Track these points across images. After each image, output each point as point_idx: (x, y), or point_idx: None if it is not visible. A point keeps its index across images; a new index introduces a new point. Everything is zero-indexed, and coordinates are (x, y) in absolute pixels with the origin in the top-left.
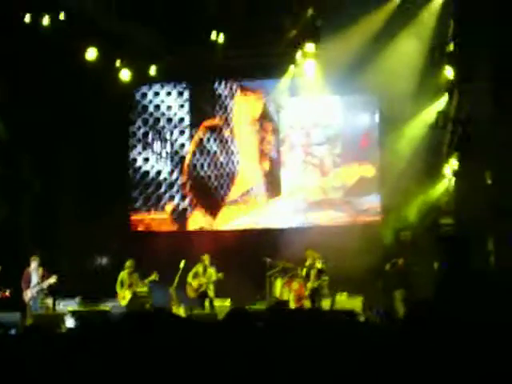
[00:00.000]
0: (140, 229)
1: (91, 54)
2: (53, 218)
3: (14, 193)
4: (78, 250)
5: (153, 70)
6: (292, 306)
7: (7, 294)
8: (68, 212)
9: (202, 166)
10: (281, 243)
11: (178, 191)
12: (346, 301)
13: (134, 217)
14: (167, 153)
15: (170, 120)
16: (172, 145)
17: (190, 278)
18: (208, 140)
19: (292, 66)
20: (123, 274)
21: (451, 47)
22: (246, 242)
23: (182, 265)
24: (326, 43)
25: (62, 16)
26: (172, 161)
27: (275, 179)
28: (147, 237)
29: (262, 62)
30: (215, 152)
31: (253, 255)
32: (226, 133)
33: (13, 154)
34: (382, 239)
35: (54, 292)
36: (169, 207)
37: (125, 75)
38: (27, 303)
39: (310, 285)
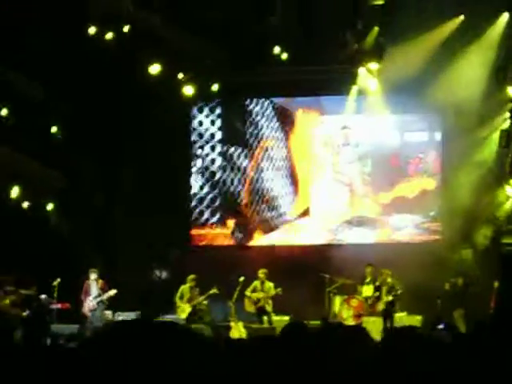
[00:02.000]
0: (201, 243)
1: (154, 68)
2: (113, 231)
3: (76, 206)
4: (138, 262)
5: (215, 87)
6: (350, 322)
7: (67, 305)
8: (128, 225)
9: (260, 184)
10: (339, 259)
11: (237, 207)
12: (406, 319)
13: (195, 231)
14: (229, 168)
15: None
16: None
17: (248, 293)
18: (263, 159)
19: (355, 86)
20: (184, 288)
21: None
22: (304, 257)
23: (241, 280)
24: (388, 61)
25: (125, 29)
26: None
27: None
28: (207, 251)
29: (323, 78)
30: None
31: (312, 271)
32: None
33: (74, 166)
34: (442, 257)
35: (114, 304)
36: (230, 222)
37: (188, 91)
38: (87, 315)
39: (383, 300)
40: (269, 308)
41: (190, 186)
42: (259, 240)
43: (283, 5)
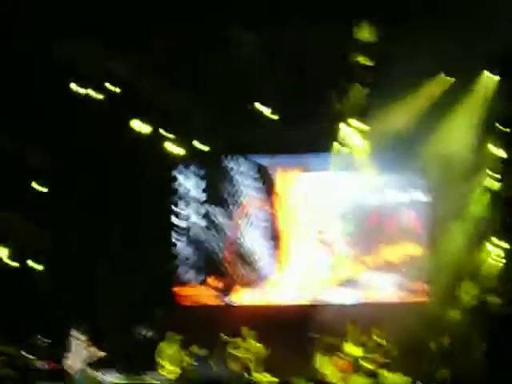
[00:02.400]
0: (185, 302)
1: (141, 127)
2: (95, 289)
3: (60, 264)
4: (121, 320)
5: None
6: (336, 382)
7: (53, 364)
8: (111, 283)
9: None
10: (325, 319)
11: (220, 266)
12: (392, 379)
13: (178, 289)
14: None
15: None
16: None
17: (230, 349)
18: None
19: (336, 143)
20: (164, 346)
21: (501, 127)
22: (289, 317)
23: (224, 339)
24: (373, 120)
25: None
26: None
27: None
28: (191, 310)
29: (305, 136)
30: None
31: (298, 331)
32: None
33: (59, 225)
34: (429, 318)
35: (97, 362)
36: (214, 282)
37: (173, 149)
38: (72, 374)
39: (369, 359)
40: (252, 367)
41: (174, 246)
42: (239, 299)
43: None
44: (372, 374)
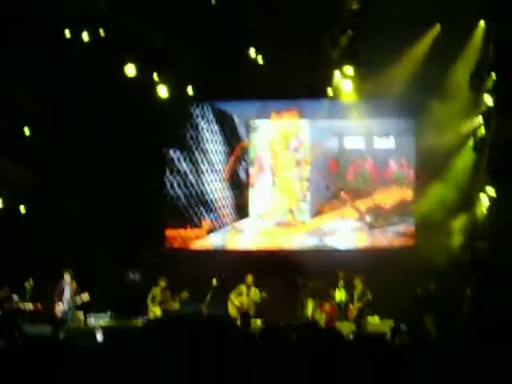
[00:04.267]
0: (175, 245)
1: (130, 70)
2: (86, 232)
3: (49, 207)
4: (111, 264)
5: (190, 90)
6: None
7: (39, 306)
8: (101, 227)
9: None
10: (310, 264)
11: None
12: (378, 324)
13: (169, 232)
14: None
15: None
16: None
17: (232, 296)
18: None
19: (329, 88)
20: (155, 290)
21: (491, 74)
22: (275, 261)
23: (214, 283)
24: (364, 65)
25: (101, 32)
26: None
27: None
28: (181, 253)
29: (299, 82)
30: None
31: (283, 275)
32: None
33: (48, 168)
34: (415, 263)
35: (86, 306)
36: (205, 223)
37: (162, 93)
38: (59, 316)
39: (355, 306)
40: (251, 313)
41: (164, 187)
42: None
43: (259, 9)
44: (357, 320)
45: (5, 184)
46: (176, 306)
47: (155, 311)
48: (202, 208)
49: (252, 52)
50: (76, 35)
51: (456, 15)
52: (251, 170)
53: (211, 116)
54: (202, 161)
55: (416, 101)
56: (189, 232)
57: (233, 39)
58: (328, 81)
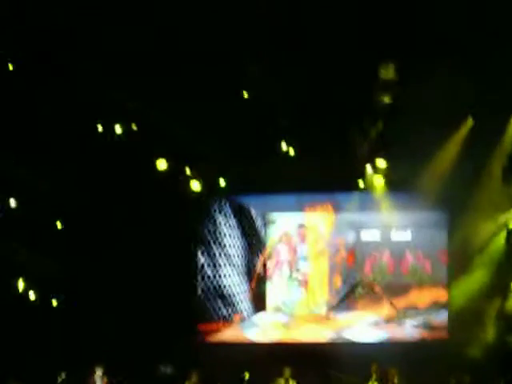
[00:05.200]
0: (208, 339)
1: (162, 164)
2: (119, 326)
3: (80, 299)
4: (143, 358)
5: (222, 182)
6: None
7: None
8: (133, 320)
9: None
10: (342, 357)
11: (241, 302)
12: None
13: (203, 327)
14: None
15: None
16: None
17: None
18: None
19: (361, 181)
20: None
21: None
22: (306, 354)
23: (246, 377)
24: (395, 160)
25: (134, 126)
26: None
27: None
28: (212, 347)
29: (330, 175)
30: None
31: (316, 369)
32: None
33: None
34: (449, 356)
35: None
36: (236, 317)
37: (195, 186)
38: None
39: None
40: None
41: (196, 282)
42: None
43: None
44: None
45: (36, 277)
46: None
47: None
48: (219, 302)
49: (284, 145)
50: (108, 130)
51: (490, 109)
52: (268, 263)
53: (229, 210)
54: (220, 255)
55: (449, 194)
56: (215, 326)
57: (265, 132)
58: (359, 173)
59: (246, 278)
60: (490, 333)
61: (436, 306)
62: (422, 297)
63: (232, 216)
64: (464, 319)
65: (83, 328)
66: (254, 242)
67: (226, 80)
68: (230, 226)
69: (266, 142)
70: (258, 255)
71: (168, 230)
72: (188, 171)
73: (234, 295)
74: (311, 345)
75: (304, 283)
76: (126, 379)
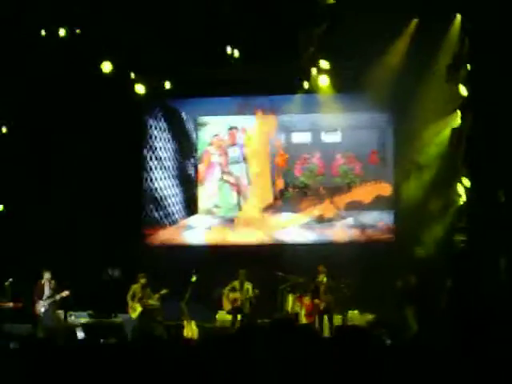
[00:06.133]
0: (154, 242)
1: (106, 67)
2: (66, 231)
3: (27, 205)
4: (90, 262)
5: (167, 85)
6: (303, 321)
7: (20, 305)
8: (81, 225)
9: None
10: (291, 258)
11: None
12: (358, 318)
13: (148, 231)
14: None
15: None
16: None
17: (226, 291)
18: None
19: (306, 83)
20: (135, 287)
21: (466, 66)
22: (255, 255)
23: (193, 279)
24: (340, 61)
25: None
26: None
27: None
28: (160, 250)
29: (275, 77)
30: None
31: (264, 269)
32: None
33: (24, 163)
34: (395, 257)
35: (66, 304)
36: (183, 221)
37: (139, 89)
38: (39, 315)
39: (317, 301)
40: (246, 310)
41: (141, 185)
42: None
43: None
44: (326, 313)
45: None
46: (156, 302)
47: (135, 308)
48: (151, 206)
49: (228, 48)
50: (51, 34)
51: (433, 10)
52: (200, 166)
53: (159, 113)
54: (151, 158)
55: (394, 94)
56: (153, 229)
57: (208, 35)
58: (303, 76)
59: (177, 182)
60: (436, 232)
61: (380, 201)
62: (366, 193)
63: (162, 119)
64: (410, 219)
65: (31, 233)
66: (185, 145)
67: None
68: (160, 128)
69: (211, 45)
70: (189, 158)
71: (112, 132)
72: (132, 74)
73: (165, 198)
74: (250, 247)
75: (235, 186)
76: (74, 283)
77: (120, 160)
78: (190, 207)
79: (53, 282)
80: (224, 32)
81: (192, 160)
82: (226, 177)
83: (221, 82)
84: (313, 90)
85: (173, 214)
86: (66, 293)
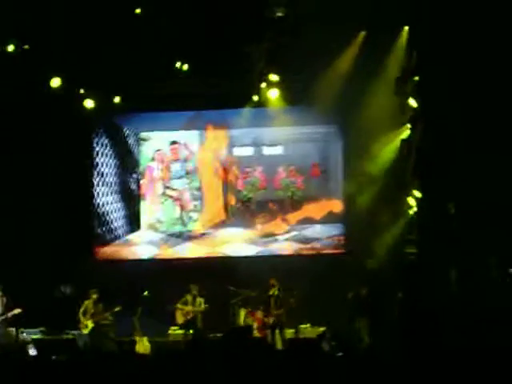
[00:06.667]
0: (101, 258)
1: (55, 82)
2: (15, 248)
3: None
4: (42, 279)
5: (116, 100)
6: (256, 335)
7: None
8: (32, 241)
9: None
10: (242, 272)
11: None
12: (310, 331)
13: (98, 247)
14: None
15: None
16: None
17: (179, 305)
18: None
19: (255, 96)
20: (87, 303)
21: (415, 78)
22: (205, 270)
23: (145, 294)
24: (289, 74)
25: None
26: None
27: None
28: (108, 266)
29: (224, 91)
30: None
31: (215, 283)
32: None
33: None
34: (346, 269)
35: (18, 321)
36: (127, 237)
37: (89, 104)
38: None
39: (271, 313)
40: (198, 323)
41: (88, 201)
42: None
43: (187, 17)
44: (276, 327)
45: None
46: (108, 318)
47: (87, 324)
48: (96, 221)
49: (177, 63)
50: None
51: (381, 22)
52: (142, 182)
53: (101, 130)
54: (93, 174)
55: (343, 107)
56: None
57: (158, 49)
58: (254, 89)
59: (119, 197)
60: (387, 244)
61: (331, 217)
62: (317, 209)
63: (104, 135)
64: (360, 231)
65: None
66: (127, 161)
67: None
68: (102, 144)
69: (161, 60)
70: (131, 174)
71: (59, 149)
72: (82, 90)
73: (108, 213)
74: (199, 260)
75: (178, 201)
76: (26, 301)
77: (67, 176)
78: (133, 222)
79: (4, 298)
80: (173, 46)
81: (134, 175)
82: (168, 191)
83: (169, 96)
84: (262, 104)
85: (116, 229)
86: (17, 311)
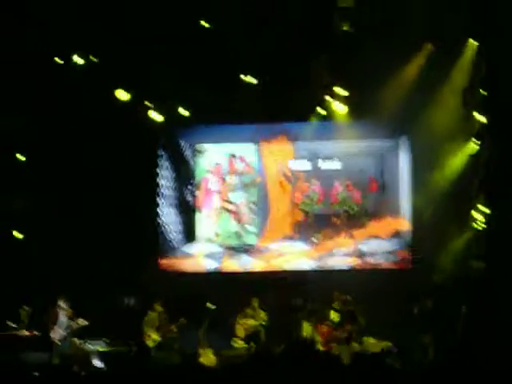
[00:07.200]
0: (164, 269)
1: (122, 95)
2: (81, 258)
3: (42, 230)
4: (107, 289)
5: (184, 113)
6: (320, 349)
7: (35, 333)
8: (97, 251)
9: None
10: (303, 285)
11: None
12: (374, 345)
13: (160, 259)
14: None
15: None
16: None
17: (240, 319)
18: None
19: (320, 109)
20: (152, 315)
21: (483, 92)
22: (267, 283)
23: (211, 307)
24: (355, 87)
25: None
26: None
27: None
28: (172, 278)
29: (288, 104)
30: None
31: (276, 297)
32: None
33: (38, 190)
34: (409, 283)
35: (82, 332)
36: (189, 249)
37: (155, 116)
38: (55, 343)
39: (346, 328)
40: (262, 336)
41: (157, 215)
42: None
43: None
44: (348, 342)
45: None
46: (174, 330)
47: (151, 336)
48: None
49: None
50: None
51: (446, 35)
52: (198, 194)
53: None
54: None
55: (410, 119)
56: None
57: (225, 63)
58: (319, 103)
59: (176, 209)
60: (452, 259)
61: (397, 236)
62: (383, 228)
63: (161, 147)
64: (426, 245)
65: (47, 261)
66: (183, 173)
67: (187, 9)
68: (160, 156)
69: (226, 72)
70: (187, 186)
71: (128, 161)
72: (148, 102)
73: (165, 225)
74: (262, 274)
75: (234, 214)
76: (90, 312)
77: (132, 189)
78: (189, 235)
79: (69, 309)
80: (238, 59)
81: (190, 187)
82: (225, 204)
83: (234, 109)
84: (326, 118)
85: (171, 241)
86: (83, 322)
